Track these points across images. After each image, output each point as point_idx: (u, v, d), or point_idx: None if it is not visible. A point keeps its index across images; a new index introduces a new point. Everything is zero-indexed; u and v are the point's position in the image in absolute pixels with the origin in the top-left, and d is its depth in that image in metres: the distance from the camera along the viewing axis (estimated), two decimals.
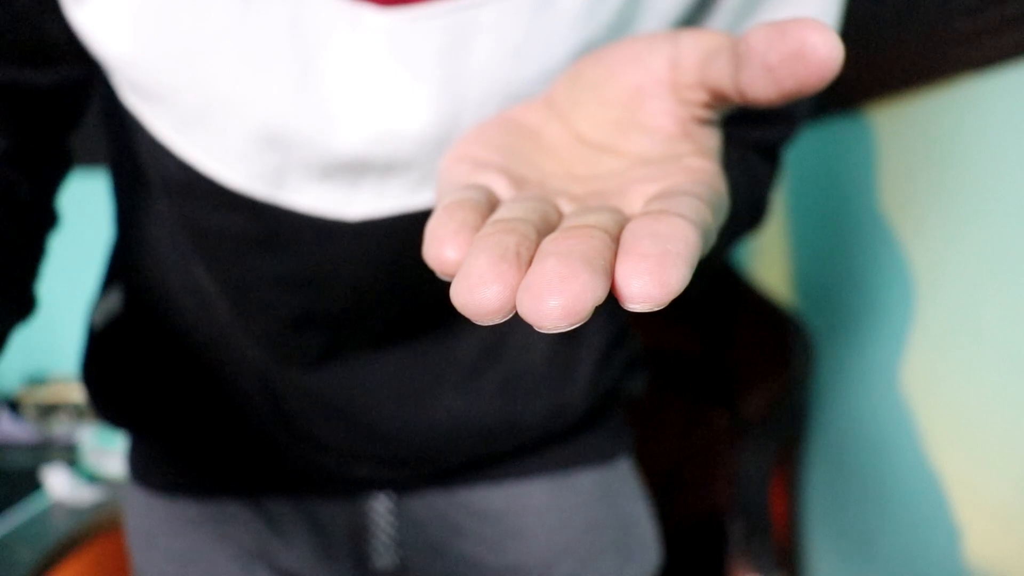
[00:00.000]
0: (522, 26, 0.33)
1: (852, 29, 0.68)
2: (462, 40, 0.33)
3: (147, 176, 0.40)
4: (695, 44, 0.24)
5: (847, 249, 0.89)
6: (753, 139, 0.43)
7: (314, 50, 0.33)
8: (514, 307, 0.17)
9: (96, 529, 1.06)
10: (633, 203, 0.22)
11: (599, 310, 0.47)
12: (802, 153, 0.97)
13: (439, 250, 0.20)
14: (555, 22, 0.34)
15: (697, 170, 0.23)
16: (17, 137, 0.37)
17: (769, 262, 1.10)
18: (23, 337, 1.50)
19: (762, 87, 0.21)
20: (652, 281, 0.17)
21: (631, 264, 0.17)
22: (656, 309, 0.17)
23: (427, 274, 0.39)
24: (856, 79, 0.83)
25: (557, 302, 0.16)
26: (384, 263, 0.39)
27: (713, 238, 0.21)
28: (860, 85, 0.83)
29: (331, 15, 0.33)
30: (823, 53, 0.20)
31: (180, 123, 0.35)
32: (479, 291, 0.17)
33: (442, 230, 0.20)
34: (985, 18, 0.64)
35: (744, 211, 0.43)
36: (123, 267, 0.47)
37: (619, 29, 0.35)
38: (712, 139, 0.26)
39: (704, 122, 0.25)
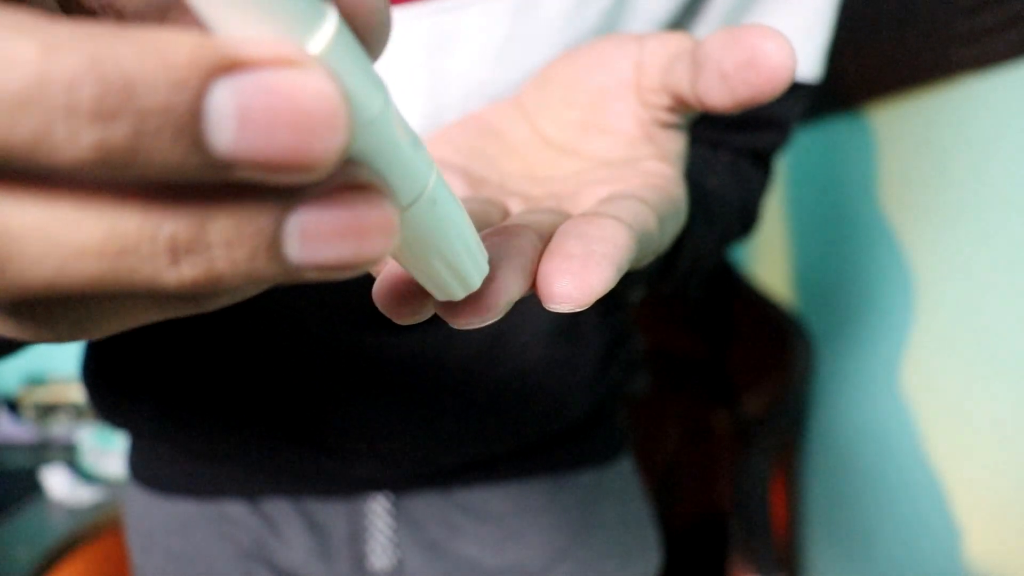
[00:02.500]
0: (505, 29, 0.33)
1: (852, 29, 0.68)
2: (445, 42, 0.34)
3: None
4: (660, 47, 0.24)
5: (847, 249, 0.89)
6: (743, 145, 0.43)
7: None
8: (430, 309, 0.17)
9: (95, 529, 1.06)
10: (584, 205, 0.22)
11: (597, 310, 0.47)
12: (802, 153, 0.97)
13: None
14: (538, 25, 0.34)
15: (654, 174, 0.23)
16: None
17: (769, 262, 1.10)
18: None
19: (717, 94, 0.21)
20: (573, 282, 0.17)
21: (554, 264, 0.17)
22: (578, 309, 0.17)
23: None
24: (856, 79, 0.82)
25: (468, 304, 0.16)
26: None
27: (657, 243, 0.21)
28: (860, 85, 0.83)
29: None
30: (775, 61, 0.19)
31: None
32: (398, 298, 0.17)
33: None
34: (985, 18, 0.63)
35: (735, 217, 0.43)
36: None
37: (603, 33, 0.35)
38: (675, 143, 0.25)
39: (668, 126, 0.25)
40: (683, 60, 0.22)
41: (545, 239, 0.19)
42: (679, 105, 0.24)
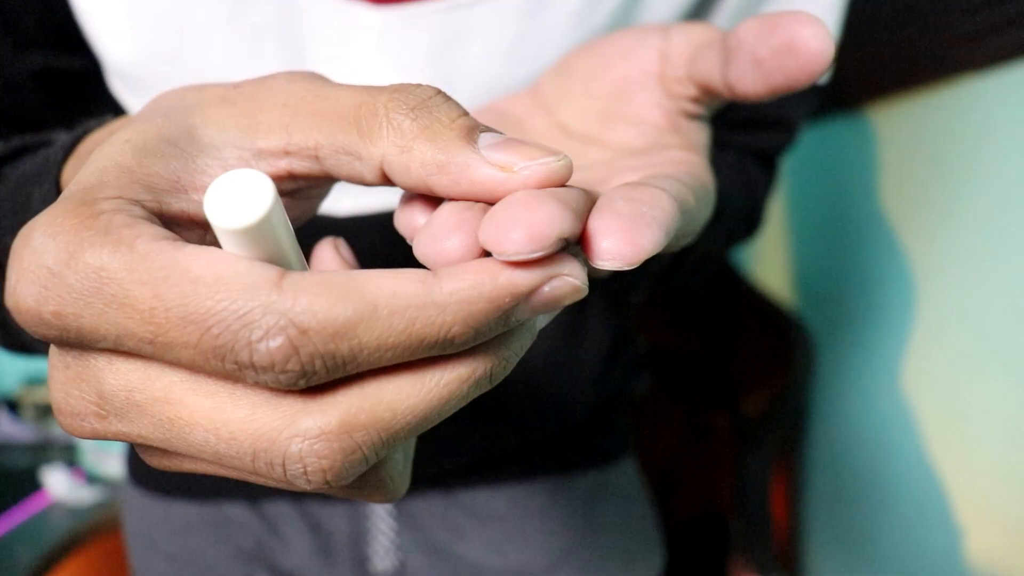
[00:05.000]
0: (514, 28, 0.33)
1: (852, 29, 0.68)
2: (453, 40, 0.33)
3: None
4: (685, 37, 0.24)
5: (847, 249, 0.89)
6: (750, 145, 0.43)
7: (304, 45, 0.33)
8: (477, 256, 0.17)
9: (95, 529, 1.06)
10: None
11: (601, 311, 0.47)
12: (802, 153, 0.97)
13: (409, 215, 0.19)
14: (548, 24, 0.33)
15: (683, 162, 0.23)
16: (78, 118, 0.37)
17: (770, 262, 1.10)
18: None
19: (751, 81, 0.21)
20: (623, 239, 0.16)
21: (604, 221, 0.17)
22: (626, 268, 0.17)
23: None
24: (856, 79, 0.82)
25: (521, 231, 0.15)
26: (372, 258, 0.39)
27: (696, 224, 0.21)
28: (860, 85, 0.83)
29: (323, 11, 0.33)
30: (814, 47, 0.19)
31: None
32: (441, 241, 0.17)
33: (414, 197, 0.20)
34: (985, 18, 0.63)
35: (740, 217, 0.43)
36: None
37: (614, 31, 0.35)
38: (700, 133, 0.25)
39: (693, 116, 0.25)
40: (712, 49, 0.22)
41: (591, 202, 0.18)
42: (705, 95, 0.24)
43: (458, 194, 0.17)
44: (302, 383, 0.15)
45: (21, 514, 1.08)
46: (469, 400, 0.17)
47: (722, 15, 0.38)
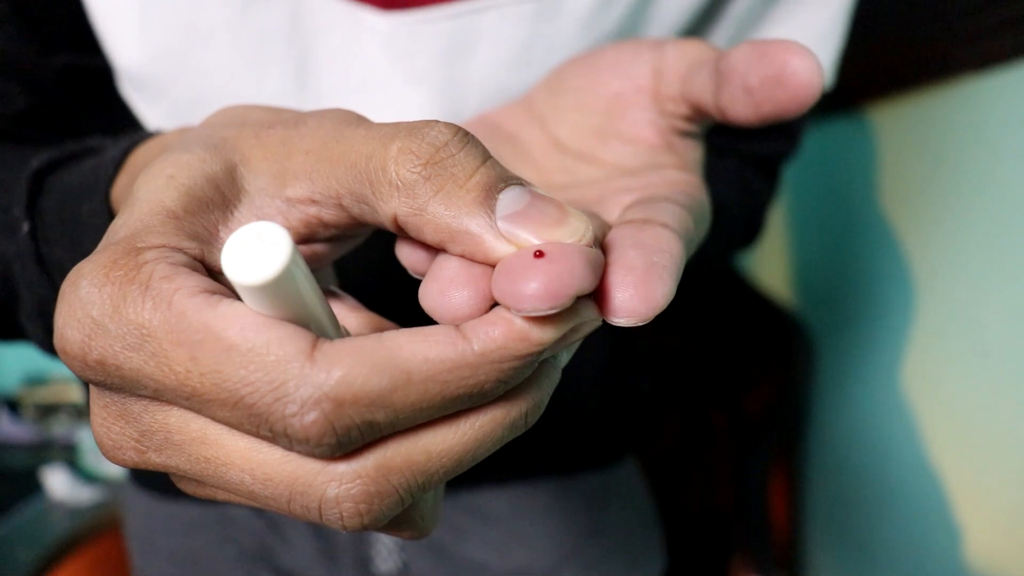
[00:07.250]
0: (524, 33, 0.33)
1: (852, 29, 0.68)
2: (461, 45, 0.33)
3: None
4: (679, 54, 0.23)
5: (847, 249, 0.89)
6: (751, 152, 0.43)
7: (312, 49, 0.33)
8: (485, 311, 0.16)
9: (95, 529, 1.06)
10: (612, 213, 0.22)
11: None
12: (802, 153, 0.97)
13: (411, 247, 0.19)
14: (558, 30, 0.33)
15: (678, 182, 0.23)
16: (103, 116, 0.38)
17: (770, 262, 1.10)
18: None
19: (741, 108, 0.21)
20: (637, 295, 0.16)
21: (616, 276, 0.16)
22: (640, 324, 0.16)
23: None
24: (856, 79, 0.82)
25: (539, 283, 0.15)
26: (375, 262, 0.39)
27: (694, 246, 0.21)
28: (860, 85, 0.83)
29: (331, 14, 0.32)
30: (803, 78, 0.19)
31: (172, 115, 0.35)
32: (449, 294, 0.16)
33: None
34: (985, 18, 0.63)
35: (738, 226, 0.42)
36: None
37: (623, 38, 0.35)
38: (694, 151, 0.25)
39: (686, 134, 0.25)
40: (705, 70, 0.22)
41: (598, 243, 0.18)
42: (697, 114, 0.23)
43: (472, 260, 0.17)
44: (338, 453, 0.15)
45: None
46: (504, 442, 0.17)
47: (728, 23, 0.38)
